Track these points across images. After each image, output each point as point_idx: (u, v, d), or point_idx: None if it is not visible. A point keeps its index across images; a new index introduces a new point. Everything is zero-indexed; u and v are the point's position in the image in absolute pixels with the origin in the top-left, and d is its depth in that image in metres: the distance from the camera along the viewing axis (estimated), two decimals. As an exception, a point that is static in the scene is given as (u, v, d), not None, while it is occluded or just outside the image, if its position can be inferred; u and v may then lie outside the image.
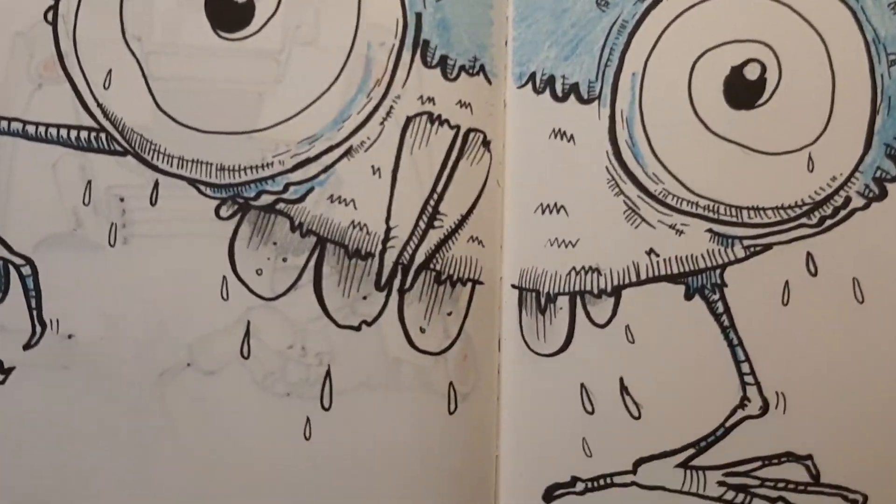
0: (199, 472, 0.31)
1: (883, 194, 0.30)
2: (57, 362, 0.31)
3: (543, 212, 0.32)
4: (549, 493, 0.31)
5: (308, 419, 0.31)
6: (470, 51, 0.32)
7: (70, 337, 0.31)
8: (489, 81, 0.32)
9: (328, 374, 0.31)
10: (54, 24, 0.31)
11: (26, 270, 0.31)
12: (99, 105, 0.31)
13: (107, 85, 0.31)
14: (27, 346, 0.31)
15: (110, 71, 0.31)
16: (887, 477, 0.30)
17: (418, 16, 0.31)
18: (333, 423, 0.31)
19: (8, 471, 0.31)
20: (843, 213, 0.30)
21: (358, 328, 0.31)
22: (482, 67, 0.32)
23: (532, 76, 0.32)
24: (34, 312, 0.31)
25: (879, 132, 0.30)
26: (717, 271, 0.31)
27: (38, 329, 0.31)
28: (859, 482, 0.30)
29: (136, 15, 0.31)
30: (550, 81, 0.32)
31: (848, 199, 0.30)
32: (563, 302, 0.32)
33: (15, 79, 0.32)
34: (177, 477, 0.31)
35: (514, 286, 0.32)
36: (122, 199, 0.31)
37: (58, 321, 0.31)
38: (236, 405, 0.31)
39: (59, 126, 0.31)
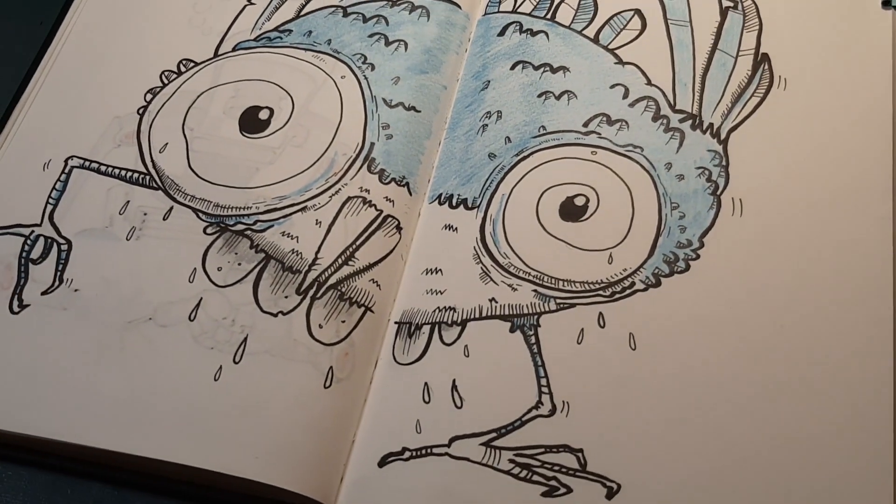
0: (137, 392, 0.47)
1: (658, 284, 0.49)
2: (59, 305, 0.50)
3: (427, 273, 0.51)
4: (384, 460, 0.46)
5: (220, 367, 0.48)
6: (401, 172, 0.54)
7: (76, 291, 0.50)
8: (410, 193, 0.54)
9: (245, 339, 0.49)
10: (141, 116, 0.57)
11: (64, 247, 0.52)
12: (152, 160, 0.55)
13: (161, 150, 0.55)
14: (44, 293, 0.51)
15: (167, 143, 0.56)
16: (636, 473, 0.44)
17: (372, 144, 0.55)
18: (239, 373, 0.48)
19: (13, 374, 0.48)
20: (628, 291, 0.49)
21: (275, 315, 0.49)
22: (407, 184, 0.54)
23: (439, 195, 0.54)
24: (58, 273, 0.51)
25: (661, 246, 0.50)
26: (535, 317, 0.49)
27: (57, 283, 0.51)
28: (616, 474, 0.43)
29: (194, 117, 0.56)
30: (449, 197, 0.54)
31: (633, 283, 0.49)
32: (426, 329, 0.50)
33: (104, 140, 0.56)
34: (115, 395, 0.48)
35: (396, 322, 0.51)
36: (145, 214, 0.53)
37: (72, 280, 0.51)
38: (173, 350, 0.48)
39: (121, 168, 0.55)
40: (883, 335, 0.46)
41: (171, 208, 0.52)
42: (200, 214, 0.52)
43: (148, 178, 0.53)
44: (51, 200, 0.53)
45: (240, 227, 0.51)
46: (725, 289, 0.47)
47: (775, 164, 0.51)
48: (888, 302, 0.46)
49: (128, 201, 0.52)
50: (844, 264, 0.47)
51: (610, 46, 0.56)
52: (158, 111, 0.55)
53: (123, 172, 0.53)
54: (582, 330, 0.47)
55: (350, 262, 0.50)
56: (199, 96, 0.56)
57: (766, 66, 0.54)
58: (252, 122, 0.54)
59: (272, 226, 0.51)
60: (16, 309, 0.49)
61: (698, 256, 0.48)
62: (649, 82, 0.55)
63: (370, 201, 0.52)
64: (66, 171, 0.54)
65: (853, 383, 0.45)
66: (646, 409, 0.45)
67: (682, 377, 0.45)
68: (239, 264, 0.50)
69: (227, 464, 0.44)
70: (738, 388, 0.45)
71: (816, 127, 0.52)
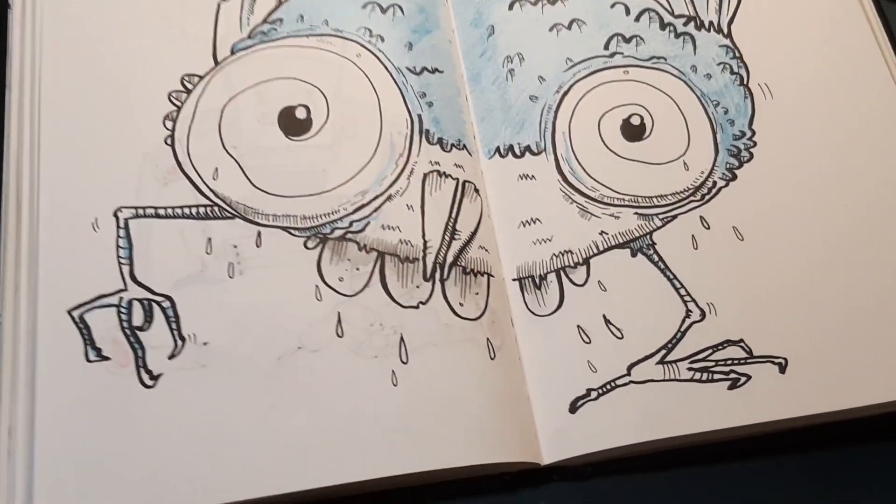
0: (315, 425, 0.45)
1: (735, 177, 0.52)
2: (197, 363, 0.46)
3: (525, 225, 0.52)
4: (573, 405, 0.47)
5: (393, 371, 0.46)
6: (455, 135, 0.53)
7: (206, 344, 0.46)
8: (470, 154, 0.54)
9: (402, 339, 0.47)
10: (172, 146, 0.51)
11: (166, 304, 0.47)
12: (211, 190, 0.50)
13: (215, 177, 0.50)
14: (171, 356, 0.46)
15: (216, 168, 0.51)
16: (795, 343, 0.48)
17: (419, 115, 0.53)
18: (412, 371, 0.46)
19: (161, 455, 0.44)
20: (714, 190, 0.52)
21: (417, 307, 0.48)
22: (465, 146, 0.53)
23: (497, 149, 0.54)
24: (175, 332, 0.46)
25: (721, 143, 0.53)
26: (647, 237, 0.51)
27: (180, 343, 0.46)
28: (779, 350, 0.47)
29: (230, 134, 0.51)
30: (511, 148, 0.54)
31: (714, 183, 0.52)
32: (551, 278, 0.50)
33: (144, 182, 0.50)
34: (298, 433, 0.45)
35: (513, 279, 0.51)
36: (235, 246, 0.49)
37: (195, 335, 0.46)
38: (338, 370, 0.46)
39: (183, 206, 0.50)
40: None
41: (259, 233, 0.48)
42: (292, 231, 0.48)
43: (217, 208, 0.49)
44: (122, 260, 0.47)
45: (338, 232, 0.49)
46: (790, 163, 0.52)
47: (778, 43, 0.55)
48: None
49: (209, 238, 0.48)
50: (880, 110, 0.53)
51: (590, -32, 0.57)
52: (188, 137, 0.50)
53: (188, 210, 0.48)
54: (693, 236, 0.50)
55: (456, 237, 0.49)
56: (223, 112, 0.51)
57: (733, -42, 0.58)
58: (293, 123, 0.51)
59: (369, 223, 0.49)
60: (149, 382, 0.45)
61: (755, 143, 0.52)
62: (642, -5, 0.56)
63: (445, 172, 0.51)
64: (122, 224, 0.48)
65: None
66: (775, 286, 0.49)
67: (791, 247, 0.50)
68: (357, 269, 0.48)
69: (441, 458, 0.44)
70: (839, 239, 0.50)
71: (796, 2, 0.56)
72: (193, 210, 0.48)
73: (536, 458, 0.46)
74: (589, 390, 0.47)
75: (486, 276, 0.49)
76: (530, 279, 0.49)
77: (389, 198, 0.50)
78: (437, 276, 0.48)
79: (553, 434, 0.46)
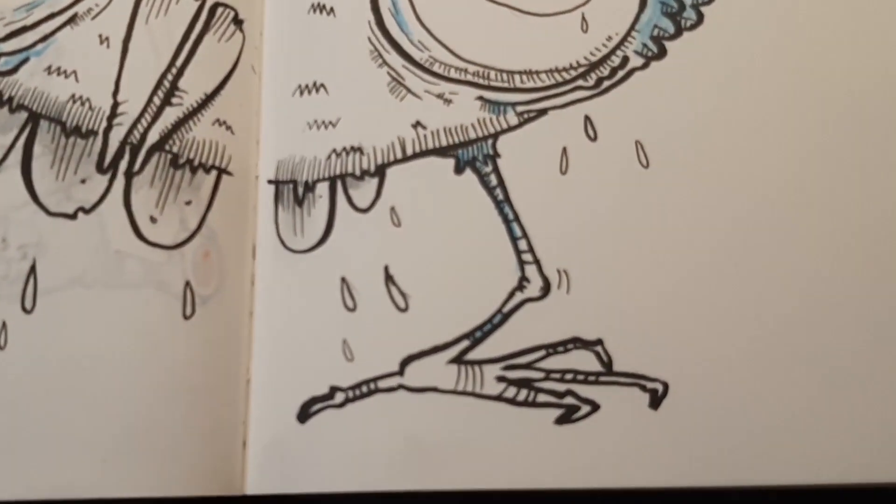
0: None
1: (662, 53, 0.30)
2: None
3: (302, 93, 0.31)
4: (305, 410, 0.29)
5: (4, 324, 0.28)
6: (216, -81, 0.32)
7: None
8: (241, -43, 0.32)
9: (33, 269, 0.28)
10: None
11: None
12: None
13: None
14: None
15: None
16: (689, 360, 0.29)
17: None
18: (37, 327, 0.28)
19: None
20: (621, 73, 0.30)
21: (73, 216, 0.29)
22: (234, -62, 0.32)
23: (289, -45, 0.32)
24: None
25: (655, -10, 0.31)
26: (490, 141, 0.30)
27: None
28: (658, 368, 0.28)
29: None
30: (307, -44, 0.32)
31: (626, 59, 0.30)
32: (322, 190, 0.30)
33: None
34: None
35: (270, 181, 0.31)
36: None
37: None
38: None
39: None
40: None
41: None
42: None
43: None
44: None
45: (-30, 71, 0.29)
46: (763, 42, 0.29)
47: None
48: None
49: None
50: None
51: None
52: None
53: None
54: (564, 150, 0.29)
55: (175, 100, 0.29)
56: None
57: None
58: None
59: (27, 59, 0.29)
60: None
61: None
62: None
63: (181, -15, 0.30)
64: None
65: None
66: (682, 256, 0.28)
67: (727, 193, 0.28)
68: (-13, 138, 0.28)
69: (61, 484, 0.26)
70: (813, 193, 0.28)
71: None
72: None
73: (234, 486, 0.28)
74: (333, 390, 0.28)
75: (214, 171, 0.29)
76: (292, 186, 0.29)
77: (73, 20, 0.30)
78: (123, 166, 0.29)
79: (266, 451, 0.28)
